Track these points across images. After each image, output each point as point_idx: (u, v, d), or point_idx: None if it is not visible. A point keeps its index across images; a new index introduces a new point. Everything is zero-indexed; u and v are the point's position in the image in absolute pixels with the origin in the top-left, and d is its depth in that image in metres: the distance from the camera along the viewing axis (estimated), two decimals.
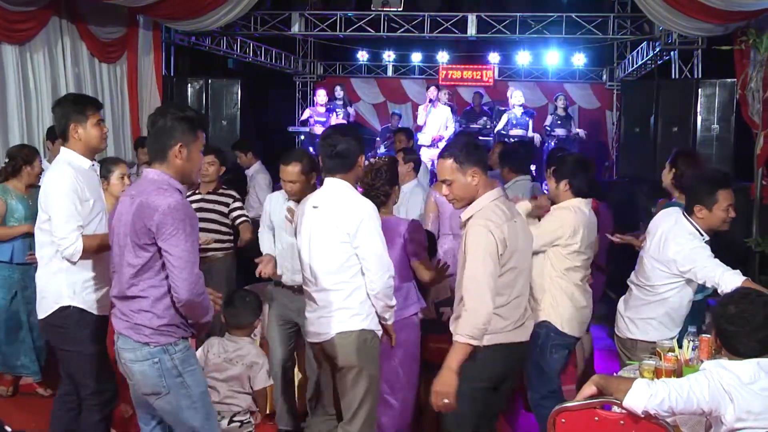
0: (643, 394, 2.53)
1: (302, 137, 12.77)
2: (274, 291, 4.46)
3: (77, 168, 3.52)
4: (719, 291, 3.53)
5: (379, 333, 3.50)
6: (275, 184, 6.97)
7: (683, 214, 3.77)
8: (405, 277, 3.92)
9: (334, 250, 3.38)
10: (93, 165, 3.63)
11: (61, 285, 3.50)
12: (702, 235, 3.68)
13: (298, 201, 4.23)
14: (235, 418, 3.99)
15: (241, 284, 5.33)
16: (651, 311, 3.80)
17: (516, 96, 11.48)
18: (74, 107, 3.54)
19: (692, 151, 5.44)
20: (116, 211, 3.02)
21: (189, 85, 9.96)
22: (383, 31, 11.17)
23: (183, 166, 2.97)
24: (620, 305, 4.02)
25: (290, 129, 13.05)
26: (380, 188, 3.94)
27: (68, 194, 3.43)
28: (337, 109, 11.69)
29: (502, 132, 11.42)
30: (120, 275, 2.96)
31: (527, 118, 11.49)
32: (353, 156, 3.43)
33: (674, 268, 3.69)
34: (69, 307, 3.50)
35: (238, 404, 4.01)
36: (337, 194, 3.43)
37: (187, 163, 2.98)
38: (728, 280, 3.46)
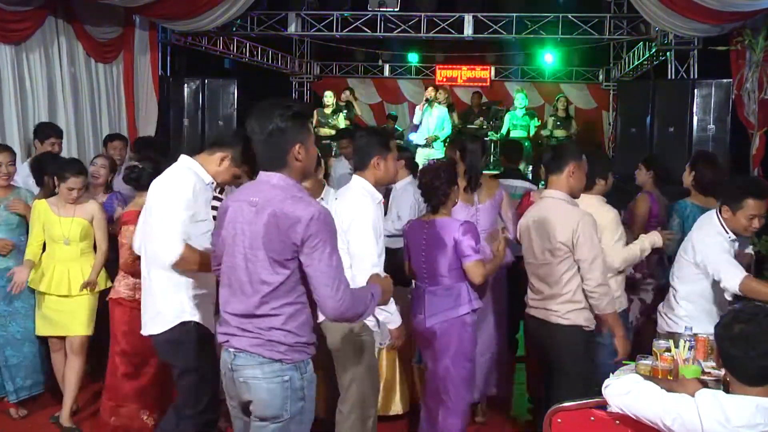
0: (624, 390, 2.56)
1: None
2: None
3: (199, 180, 3.40)
4: (721, 286, 3.64)
5: (373, 326, 3.60)
6: None
7: (716, 212, 3.85)
8: (456, 277, 3.97)
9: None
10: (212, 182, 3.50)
11: (184, 299, 3.33)
12: (727, 233, 3.76)
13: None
14: None
15: None
16: (685, 306, 3.87)
17: (518, 98, 11.57)
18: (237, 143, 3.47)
19: (712, 153, 5.61)
20: (226, 219, 2.72)
21: (185, 85, 9.94)
22: (380, 32, 11.18)
23: (303, 167, 2.72)
24: (660, 307, 4.06)
25: None
26: (439, 188, 3.97)
27: (185, 204, 3.29)
28: (342, 112, 11.65)
29: (504, 134, 11.52)
30: (244, 291, 2.65)
31: (529, 120, 11.54)
32: (366, 155, 3.60)
33: (698, 257, 3.77)
34: (191, 322, 3.34)
35: None
36: (349, 190, 3.62)
37: (307, 161, 2.73)
38: (729, 276, 3.59)
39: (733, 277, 3.58)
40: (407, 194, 5.53)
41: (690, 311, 3.86)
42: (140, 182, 4.22)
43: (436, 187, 3.97)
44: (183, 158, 3.47)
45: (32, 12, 6.96)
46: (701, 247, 3.75)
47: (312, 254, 2.55)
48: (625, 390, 2.55)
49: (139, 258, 4.06)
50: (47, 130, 5.98)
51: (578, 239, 3.62)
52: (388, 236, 4.89)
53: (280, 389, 2.64)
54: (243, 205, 2.67)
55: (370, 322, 3.62)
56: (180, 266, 3.26)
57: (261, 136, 2.66)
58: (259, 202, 2.62)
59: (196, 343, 3.41)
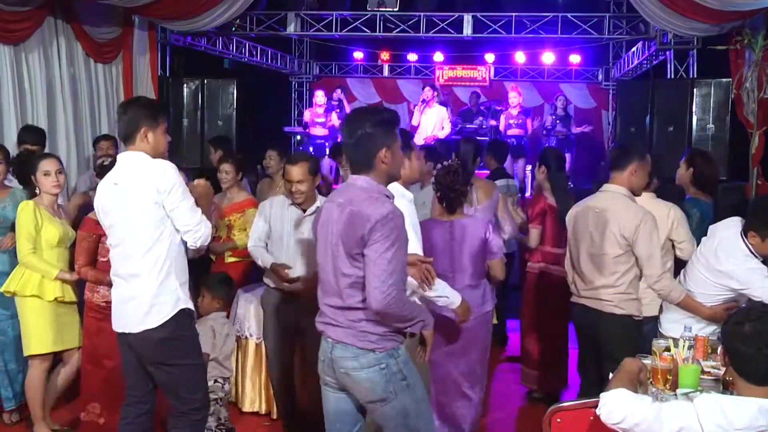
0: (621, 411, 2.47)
1: (298, 137, 12.77)
2: (272, 296, 4.42)
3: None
4: None
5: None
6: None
7: (741, 232, 3.76)
8: (481, 275, 4.12)
9: None
10: None
11: (176, 288, 3.37)
12: (756, 256, 3.70)
13: (302, 204, 4.24)
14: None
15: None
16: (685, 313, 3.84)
17: (512, 96, 11.58)
18: (146, 112, 3.44)
19: (706, 151, 5.70)
20: (320, 220, 2.98)
21: (185, 85, 9.95)
22: (379, 31, 11.17)
23: (389, 170, 2.92)
24: (665, 305, 4.05)
25: (286, 129, 13.06)
26: (459, 190, 4.07)
27: (182, 184, 3.34)
28: (335, 111, 11.69)
29: (500, 132, 11.55)
30: (332, 283, 2.89)
31: (524, 118, 11.56)
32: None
33: (724, 280, 3.72)
34: (185, 309, 3.39)
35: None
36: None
37: (393, 165, 2.92)
38: None
39: None
40: None
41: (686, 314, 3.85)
42: None
43: (457, 189, 4.06)
44: (134, 155, 3.38)
45: (31, 12, 6.96)
46: (740, 273, 3.68)
47: (372, 246, 2.74)
48: (620, 417, 2.45)
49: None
50: (23, 135, 5.80)
51: (638, 235, 3.78)
52: None
53: (379, 377, 2.85)
54: (332, 206, 2.90)
55: None
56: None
57: (351, 141, 2.88)
58: (344, 202, 2.86)
59: (193, 336, 3.45)
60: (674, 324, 3.83)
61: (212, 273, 5.03)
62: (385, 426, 2.98)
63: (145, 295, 3.32)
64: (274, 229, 4.32)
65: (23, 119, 6.96)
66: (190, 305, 3.44)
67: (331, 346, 2.91)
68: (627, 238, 3.81)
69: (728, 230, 3.82)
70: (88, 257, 4.25)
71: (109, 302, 4.02)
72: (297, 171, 4.16)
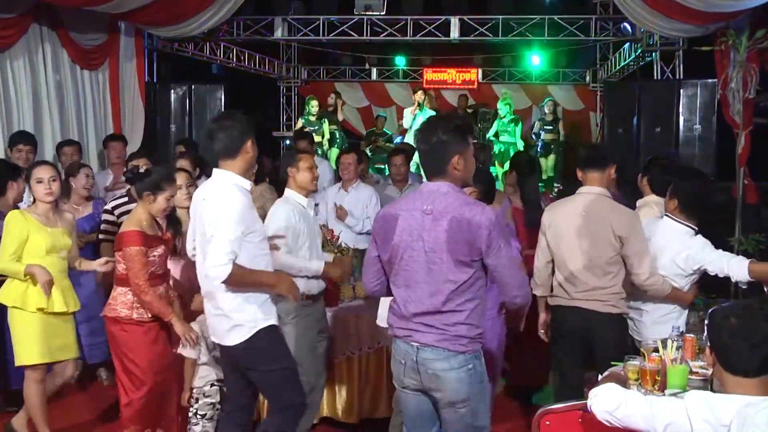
0: (613, 402, 2.53)
1: (287, 142, 12.75)
2: (299, 306, 4.21)
3: (242, 191, 3.48)
4: (733, 280, 3.72)
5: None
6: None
7: (668, 216, 3.86)
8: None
9: None
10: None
11: (254, 308, 3.46)
12: (694, 228, 3.84)
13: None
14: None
15: None
16: (664, 310, 3.94)
17: (501, 108, 11.73)
18: (249, 125, 3.49)
19: (662, 157, 5.70)
20: (398, 227, 2.97)
21: (172, 91, 9.91)
22: (366, 35, 11.17)
23: (462, 176, 2.99)
24: (634, 313, 4.07)
25: (275, 134, 13.03)
26: (491, 194, 4.13)
27: (234, 216, 3.36)
28: (326, 118, 11.71)
29: (492, 138, 11.62)
30: (428, 291, 2.92)
31: (514, 126, 11.66)
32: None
33: (686, 266, 3.82)
34: (265, 327, 3.51)
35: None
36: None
37: (465, 171, 3.00)
38: (735, 268, 3.67)
39: (740, 267, 3.67)
40: (374, 198, 5.98)
41: (667, 310, 3.94)
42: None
43: (486, 194, 4.08)
44: (223, 174, 3.47)
45: (16, 19, 6.92)
46: (694, 254, 3.78)
47: (498, 254, 2.86)
48: (614, 405, 2.51)
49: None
50: (15, 137, 5.94)
51: (632, 234, 3.77)
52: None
53: (466, 377, 2.93)
54: (415, 213, 2.94)
55: None
56: (230, 284, 3.38)
57: (425, 147, 2.98)
58: (435, 209, 2.90)
59: (275, 345, 3.55)
60: (658, 325, 3.86)
61: None
62: (452, 428, 3.01)
63: (224, 314, 3.47)
64: (300, 233, 4.22)
65: (9, 127, 6.92)
66: (271, 321, 3.53)
67: (416, 349, 2.95)
68: (622, 237, 3.79)
69: (661, 225, 3.92)
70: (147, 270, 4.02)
71: (152, 317, 4.05)
72: (312, 160, 4.36)
